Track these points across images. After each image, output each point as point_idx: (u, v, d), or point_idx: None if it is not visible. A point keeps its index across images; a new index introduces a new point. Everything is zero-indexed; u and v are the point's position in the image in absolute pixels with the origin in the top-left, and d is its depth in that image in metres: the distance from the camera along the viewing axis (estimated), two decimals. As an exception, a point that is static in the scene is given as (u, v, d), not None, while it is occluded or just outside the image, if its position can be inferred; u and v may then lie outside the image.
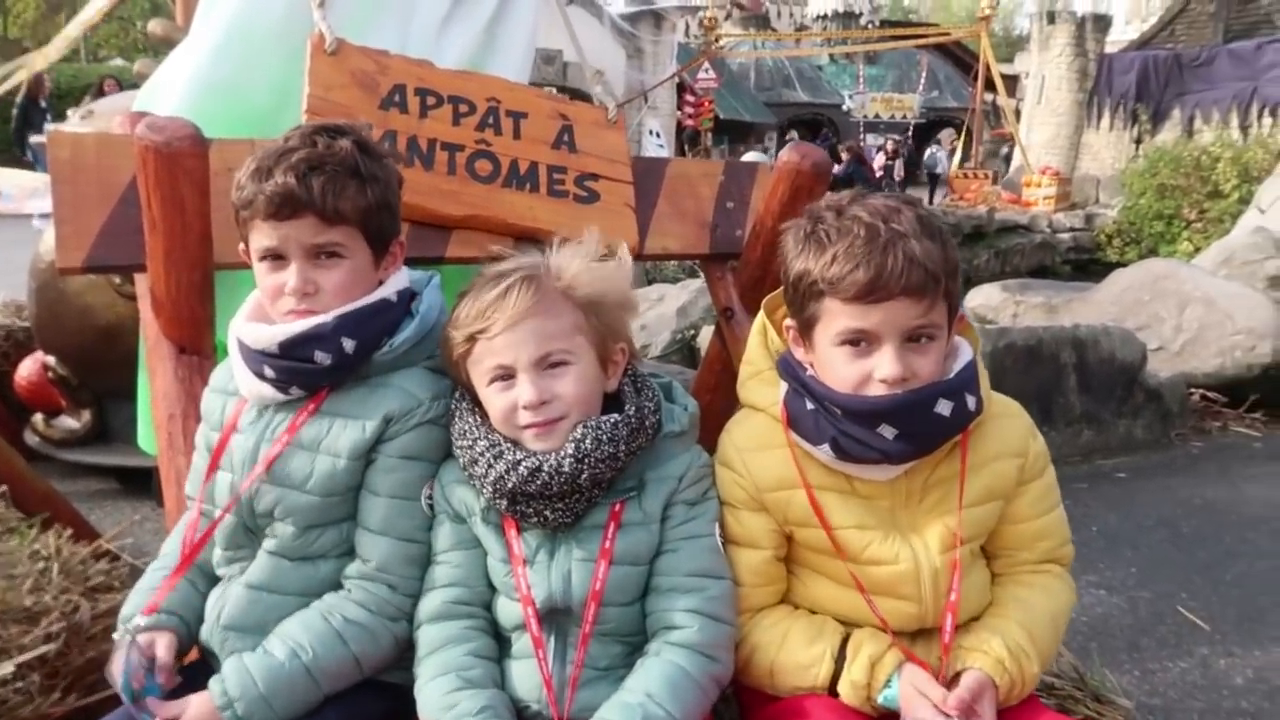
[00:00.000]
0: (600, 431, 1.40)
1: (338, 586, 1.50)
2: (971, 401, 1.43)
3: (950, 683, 1.40)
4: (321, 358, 1.46)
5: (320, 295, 1.47)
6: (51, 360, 3.88)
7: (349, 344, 1.46)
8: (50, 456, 3.90)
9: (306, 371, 1.47)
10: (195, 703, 1.37)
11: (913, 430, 1.39)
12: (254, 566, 1.50)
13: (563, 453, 1.38)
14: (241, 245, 1.55)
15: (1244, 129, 15.78)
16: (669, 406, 1.52)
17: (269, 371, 1.48)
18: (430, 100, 2.17)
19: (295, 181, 1.42)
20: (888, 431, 1.38)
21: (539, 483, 1.38)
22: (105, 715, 1.44)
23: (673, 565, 1.44)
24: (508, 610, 1.46)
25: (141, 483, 3.66)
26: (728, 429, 1.59)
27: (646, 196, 2.34)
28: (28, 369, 4.01)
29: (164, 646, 1.44)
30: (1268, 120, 15.62)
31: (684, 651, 1.38)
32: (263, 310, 1.54)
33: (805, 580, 1.54)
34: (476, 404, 1.48)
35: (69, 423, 3.95)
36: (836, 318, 1.39)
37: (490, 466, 1.40)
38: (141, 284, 1.94)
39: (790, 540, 1.52)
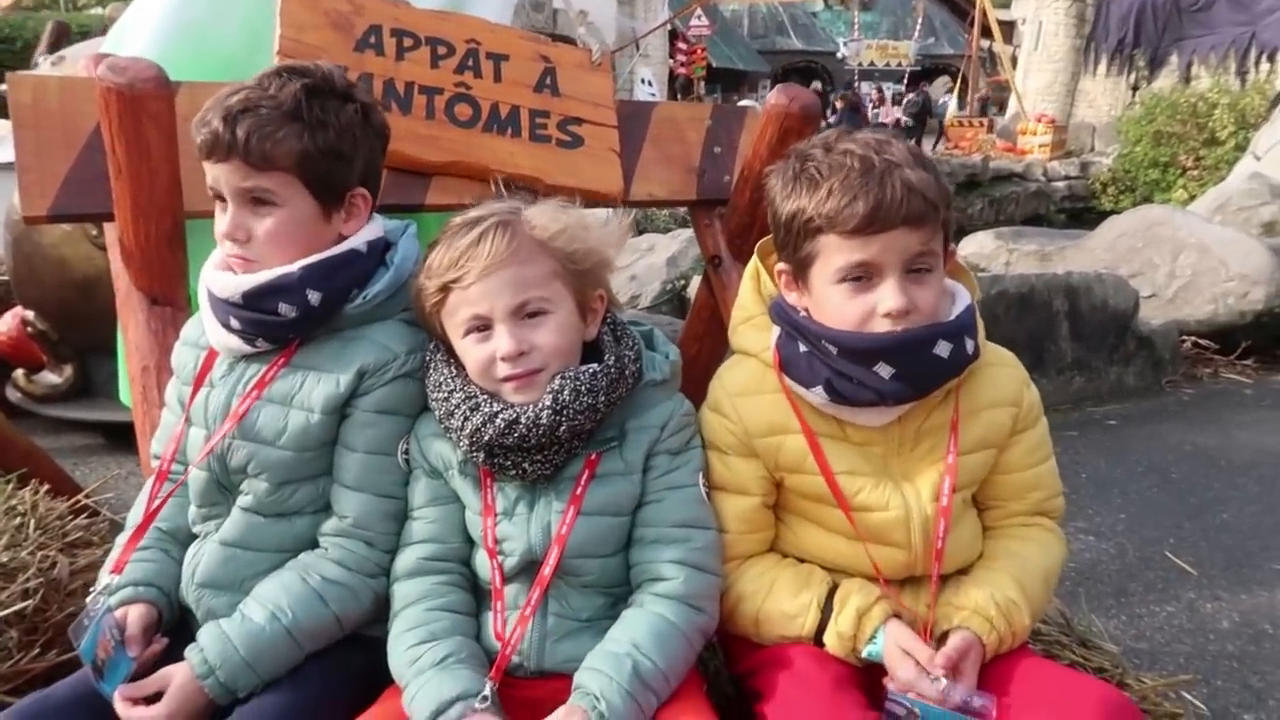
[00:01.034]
0: (579, 382, 1.36)
1: (313, 543, 1.47)
2: (970, 345, 1.41)
3: (938, 640, 1.39)
4: (285, 309, 1.42)
5: (252, 243, 1.42)
6: (31, 315, 3.83)
7: (314, 296, 1.42)
8: (33, 413, 3.87)
9: (271, 324, 1.43)
10: (176, 675, 1.35)
11: (910, 370, 1.37)
12: (228, 523, 1.47)
13: (540, 404, 1.35)
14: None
15: (1241, 75, 15.60)
16: (650, 355, 1.49)
17: (234, 322, 1.44)
18: (407, 42, 2.11)
19: (221, 125, 1.38)
20: (884, 370, 1.36)
21: (516, 435, 1.35)
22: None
23: (657, 516, 1.42)
24: (487, 562, 1.44)
25: (126, 437, 3.59)
26: (719, 374, 1.57)
27: (632, 141, 2.29)
28: (7, 324, 3.97)
29: (135, 619, 1.41)
30: (1265, 66, 15.44)
31: (669, 603, 1.37)
32: None
33: (794, 528, 1.52)
34: (452, 355, 1.44)
35: (50, 378, 3.92)
36: (835, 253, 1.37)
37: (467, 419, 1.37)
38: (111, 233, 1.89)
39: (779, 487, 1.51)
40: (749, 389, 1.51)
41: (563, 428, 1.35)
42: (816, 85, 25.90)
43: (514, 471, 1.39)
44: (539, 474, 1.39)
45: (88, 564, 1.94)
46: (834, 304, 1.39)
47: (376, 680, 1.39)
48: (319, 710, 1.33)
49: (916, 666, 1.34)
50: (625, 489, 1.41)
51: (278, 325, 1.44)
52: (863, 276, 1.37)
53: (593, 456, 1.40)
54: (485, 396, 1.38)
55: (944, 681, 1.31)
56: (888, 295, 1.35)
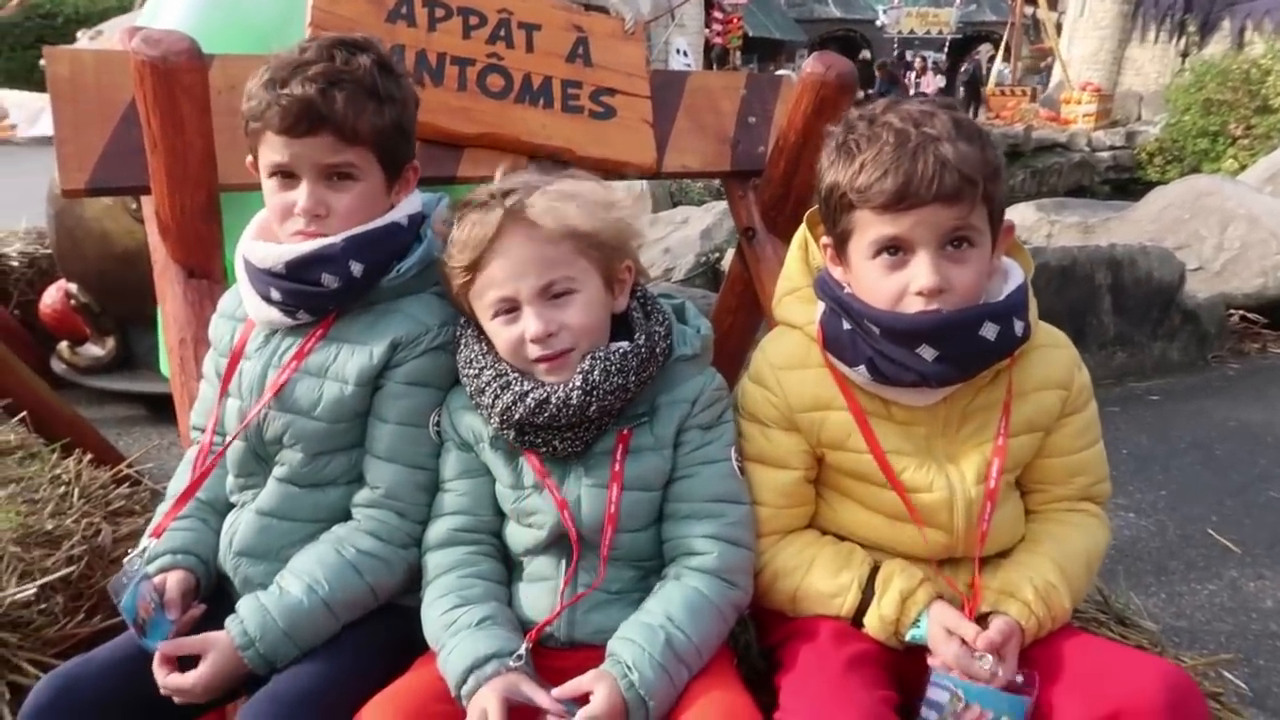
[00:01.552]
0: (609, 363, 1.35)
1: (347, 513, 1.49)
2: (1019, 327, 1.38)
3: (978, 622, 1.37)
4: (329, 280, 1.42)
5: (330, 218, 1.43)
6: (74, 288, 3.89)
7: (357, 267, 1.43)
8: (77, 384, 3.94)
9: (313, 294, 1.44)
10: (217, 643, 1.37)
11: (954, 352, 1.34)
12: (264, 493, 1.49)
13: (571, 385, 1.35)
14: (250, 158, 1.50)
15: (1297, 40, 15.10)
16: (681, 329, 1.48)
17: (275, 294, 1.45)
18: (439, 12, 2.10)
19: (315, 94, 1.37)
20: (927, 353, 1.33)
21: (547, 414, 1.35)
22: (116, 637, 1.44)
23: (690, 491, 1.42)
24: (517, 535, 1.45)
25: (168, 408, 3.63)
26: (761, 346, 1.56)
27: (665, 111, 2.26)
28: (51, 297, 4.04)
29: (174, 584, 1.43)
30: (1323, 30, 14.93)
31: (704, 577, 1.37)
32: (270, 229, 1.50)
33: (834, 505, 1.51)
34: (483, 332, 1.44)
35: (94, 350, 3.99)
36: (869, 228, 1.35)
37: (497, 397, 1.37)
38: (147, 206, 1.91)
39: (820, 463, 1.49)
40: (793, 362, 1.49)
41: (593, 408, 1.34)
42: (865, 54, 25.50)
43: (545, 449, 1.39)
44: (569, 451, 1.39)
45: (130, 532, 1.97)
46: (870, 279, 1.37)
47: (410, 648, 1.41)
48: (355, 678, 1.35)
49: (962, 646, 1.32)
50: (656, 464, 1.41)
51: (320, 296, 1.44)
52: (897, 251, 1.34)
53: (625, 432, 1.40)
54: (516, 375, 1.38)
55: (990, 660, 1.29)
56: (920, 273, 1.32)
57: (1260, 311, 5.68)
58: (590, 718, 1.21)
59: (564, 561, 1.41)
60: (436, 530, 1.46)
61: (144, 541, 1.48)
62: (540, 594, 1.42)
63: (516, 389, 1.36)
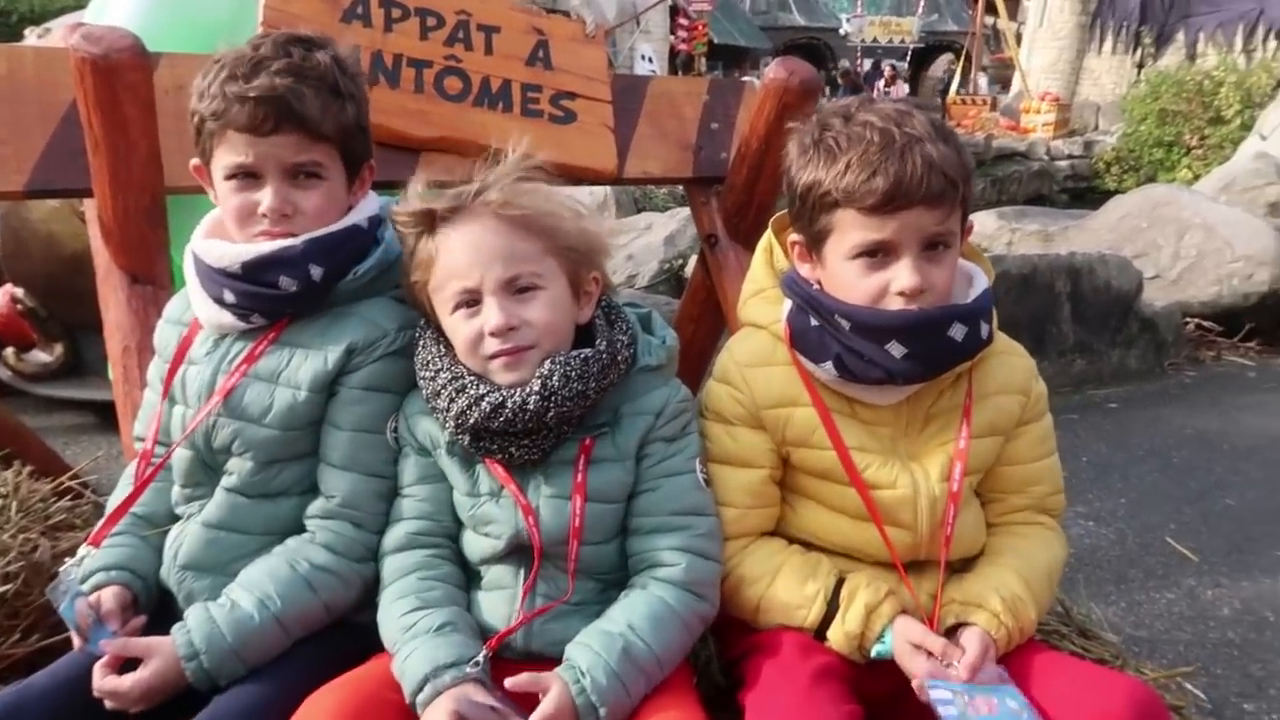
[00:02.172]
0: (569, 367, 1.32)
1: (299, 525, 1.44)
2: (984, 329, 1.40)
3: (945, 635, 1.37)
4: (286, 284, 1.38)
5: (297, 217, 1.39)
6: (20, 292, 3.80)
7: (316, 271, 1.39)
8: (24, 391, 3.84)
9: (269, 297, 1.40)
10: (160, 649, 1.31)
11: (922, 351, 1.35)
12: (211, 504, 1.44)
13: (528, 389, 1.31)
14: (195, 161, 1.45)
15: (1248, 52, 15.44)
16: (645, 339, 1.45)
17: (229, 296, 1.40)
18: (395, 13, 2.06)
19: (284, 90, 1.33)
20: (896, 350, 1.34)
21: (502, 419, 1.31)
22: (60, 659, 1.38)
23: (655, 504, 1.39)
24: (474, 544, 1.41)
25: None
26: (727, 347, 1.55)
27: (626, 116, 2.24)
28: (-3, 301, 3.93)
29: (110, 598, 1.38)
30: (1272, 44, 15.29)
31: (671, 588, 1.34)
32: (223, 228, 1.45)
33: (798, 508, 1.50)
34: (441, 335, 1.40)
35: (41, 356, 3.89)
36: (851, 229, 1.34)
37: (452, 400, 1.33)
38: (90, 209, 1.84)
39: (785, 465, 1.48)
40: (758, 360, 1.48)
41: (550, 414, 1.31)
42: (845, 64, 25.60)
43: (500, 455, 1.35)
44: (525, 458, 1.35)
45: (70, 547, 1.89)
46: (847, 279, 1.37)
47: (360, 664, 1.35)
48: (300, 699, 1.28)
49: (930, 658, 1.31)
50: (618, 475, 1.38)
51: (276, 299, 1.40)
52: (879, 253, 1.34)
53: (587, 441, 1.37)
54: (472, 378, 1.34)
55: (960, 667, 1.29)
56: (903, 274, 1.32)
57: (1215, 319, 5.77)
58: None
59: (523, 571, 1.37)
60: (394, 535, 1.42)
61: (81, 550, 1.43)
62: (498, 602, 1.38)
63: (472, 392, 1.32)
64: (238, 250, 1.39)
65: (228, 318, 1.42)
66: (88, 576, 1.40)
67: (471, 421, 1.32)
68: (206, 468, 1.45)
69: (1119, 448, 4.22)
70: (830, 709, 1.25)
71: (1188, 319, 5.73)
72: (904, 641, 1.34)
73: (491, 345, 1.32)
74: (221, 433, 1.41)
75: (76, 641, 1.38)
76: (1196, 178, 10.96)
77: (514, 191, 1.34)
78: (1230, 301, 5.69)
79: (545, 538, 1.35)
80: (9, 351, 3.91)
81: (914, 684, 1.31)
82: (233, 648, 1.31)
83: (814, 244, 1.41)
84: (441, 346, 1.39)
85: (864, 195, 1.30)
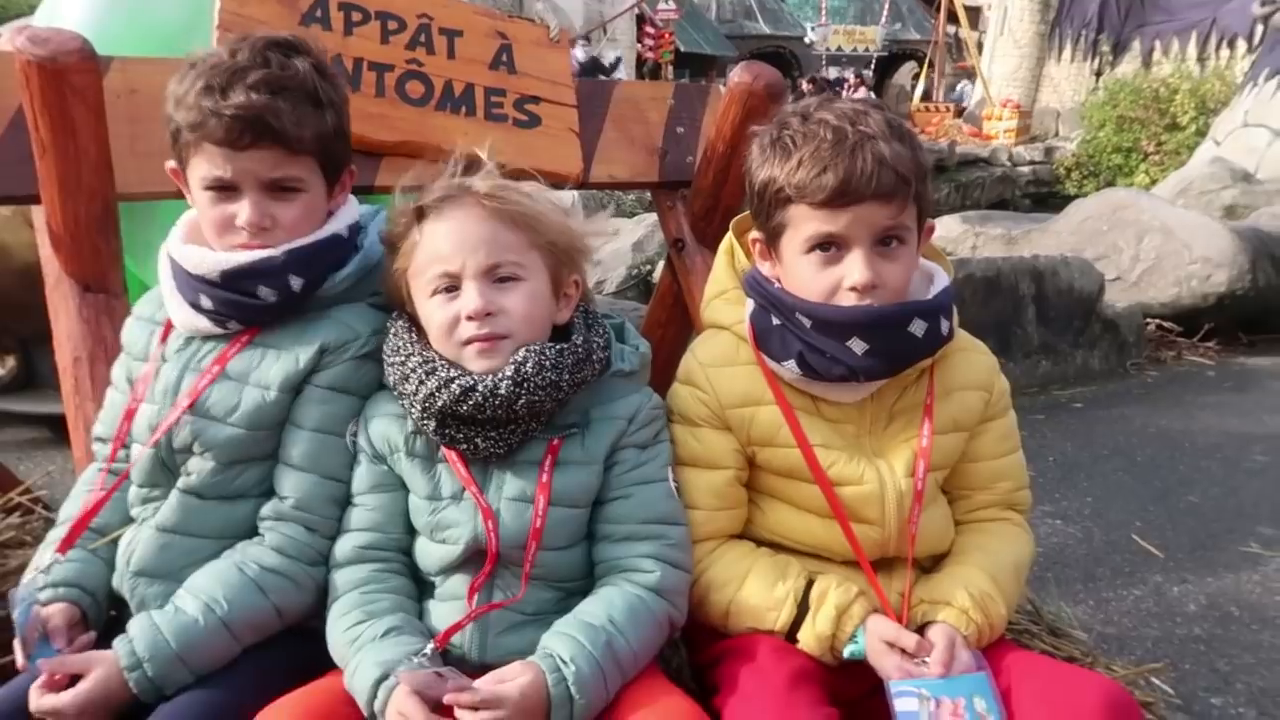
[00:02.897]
0: (544, 357, 1.30)
1: (256, 530, 1.40)
2: (945, 326, 1.41)
3: (918, 633, 1.36)
4: (266, 294, 1.37)
5: (275, 230, 1.38)
6: (-29, 304, 3.69)
7: (296, 282, 1.38)
8: (-25, 405, 3.74)
9: (248, 306, 1.38)
10: (98, 663, 1.26)
11: (883, 347, 1.36)
12: (166, 507, 1.40)
13: (500, 375, 1.29)
14: (171, 164, 1.42)
15: (1202, 60, 15.77)
16: (619, 346, 1.44)
17: (206, 302, 1.38)
18: (355, 16, 2.03)
19: (261, 105, 1.30)
20: (857, 346, 1.35)
21: (471, 403, 1.28)
22: (11, 680, 1.33)
23: (627, 512, 1.37)
24: (429, 552, 1.38)
25: (74, 431, 3.52)
26: (691, 349, 1.56)
27: (592, 121, 2.22)
28: (-54, 314, 3.82)
29: (57, 617, 1.33)
30: (1225, 52, 15.62)
31: (646, 590, 1.33)
32: (199, 232, 1.43)
33: (765, 509, 1.49)
34: (414, 325, 1.39)
35: (-7, 370, 3.79)
36: (805, 224, 1.36)
37: (421, 383, 1.30)
38: (38, 217, 1.79)
39: (751, 466, 1.48)
40: (722, 360, 1.49)
41: (521, 401, 1.28)
42: (828, 73, 25.73)
43: (466, 445, 1.33)
44: (491, 451, 1.33)
45: (19, 564, 1.83)
46: (803, 274, 1.38)
47: (315, 674, 1.32)
48: (252, 707, 1.24)
49: (903, 655, 1.32)
50: (585, 479, 1.35)
51: (254, 309, 1.39)
52: (831, 247, 1.35)
53: (555, 441, 1.35)
54: (444, 362, 1.32)
55: (931, 664, 1.29)
56: (854, 268, 1.34)
57: (1176, 320, 5.87)
58: (495, 694, 1.15)
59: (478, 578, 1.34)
60: (343, 547, 1.39)
61: (49, 557, 1.39)
62: (452, 613, 1.34)
63: (442, 375, 1.30)
64: (217, 258, 1.37)
65: (203, 323, 1.40)
66: (41, 588, 1.35)
67: (440, 404, 1.29)
68: (165, 468, 1.41)
69: (1084, 447, 4.27)
70: (807, 712, 1.24)
71: (1149, 319, 5.82)
72: (877, 640, 1.34)
73: (467, 330, 1.31)
74: (182, 431, 1.38)
75: (19, 658, 1.33)
76: (1154, 182, 11.16)
77: (502, 184, 1.35)
78: (1190, 302, 5.79)
79: (504, 541, 1.32)
80: (-40, 366, 3.82)
81: (887, 685, 1.30)
82: (177, 654, 1.27)
83: (771, 240, 1.43)
84: (414, 334, 1.37)
85: (815, 190, 1.32)
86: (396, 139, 1.98)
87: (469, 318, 1.30)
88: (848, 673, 1.38)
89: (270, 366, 1.39)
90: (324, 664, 1.32)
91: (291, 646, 1.37)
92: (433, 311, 1.34)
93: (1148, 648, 2.61)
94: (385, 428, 1.39)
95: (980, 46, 19.37)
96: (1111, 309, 5.47)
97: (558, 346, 1.33)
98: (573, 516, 1.36)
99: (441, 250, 1.32)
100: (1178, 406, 4.87)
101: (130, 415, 1.44)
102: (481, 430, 1.31)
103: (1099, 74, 17.16)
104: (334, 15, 2.01)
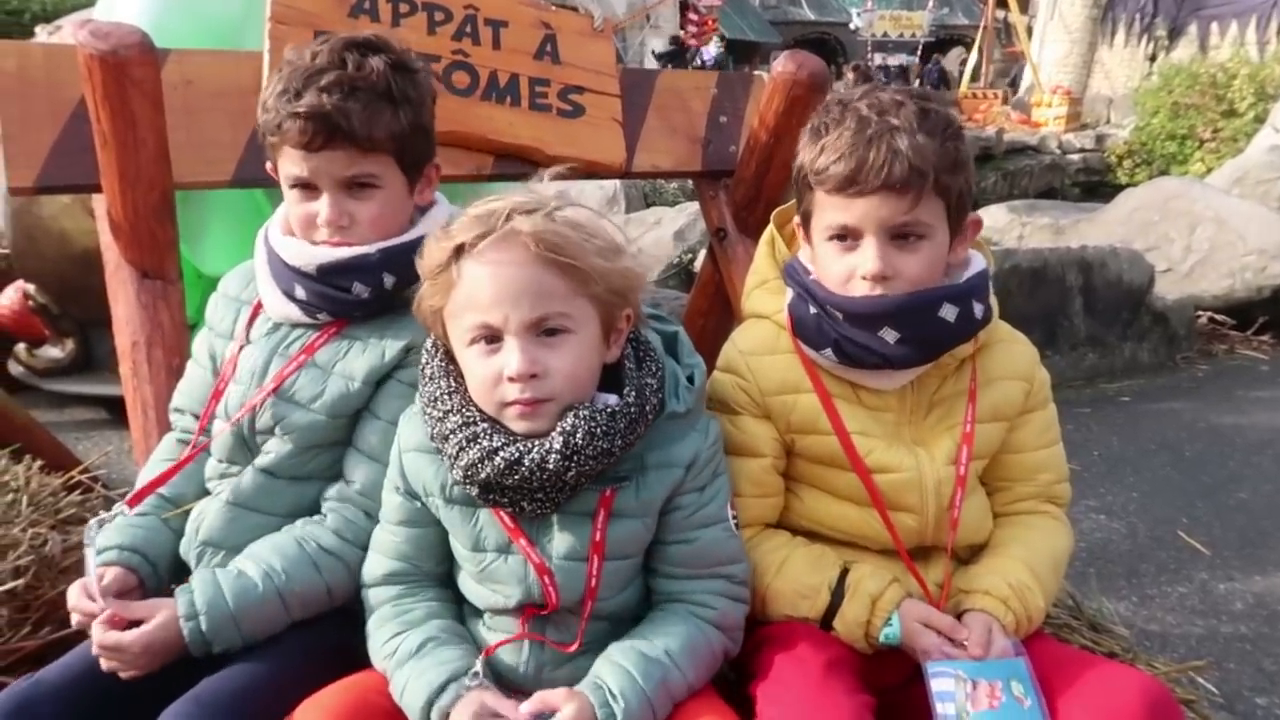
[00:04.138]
0: (594, 424, 1.19)
1: (319, 510, 1.45)
2: (979, 309, 1.40)
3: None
4: (360, 290, 1.41)
5: (355, 227, 1.42)
6: (32, 289, 3.81)
7: (389, 279, 1.42)
8: (36, 387, 3.85)
9: (340, 300, 1.42)
10: (161, 609, 1.32)
11: (915, 334, 1.36)
12: (240, 482, 1.45)
13: (548, 446, 1.18)
14: (269, 163, 1.48)
15: (1261, 45, 15.32)
16: (673, 373, 1.32)
17: (300, 293, 1.43)
18: (403, 8, 2.06)
19: (329, 107, 1.34)
20: (889, 335, 1.35)
21: (518, 477, 1.19)
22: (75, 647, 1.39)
23: (689, 557, 1.32)
24: (478, 593, 1.33)
25: (129, 412, 3.62)
26: (731, 338, 1.56)
27: (635, 110, 2.24)
28: (9, 298, 3.94)
29: (111, 580, 1.37)
30: (1287, 36, 15.15)
31: (707, 625, 1.30)
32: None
33: (803, 497, 1.50)
34: (452, 361, 1.28)
35: (52, 352, 3.90)
36: (824, 210, 1.38)
37: (462, 449, 1.20)
38: (99, 206, 1.85)
39: (789, 454, 1.48)
40: (762, 349, 1.49)
41: (571, 473, 1.19)
42: (874, 59, 25.35)
43: (510, 508, 1.25)
44: (537, 513, 1.25)
45: (80, 541, 1.90)
46: (826, 260, 1.41)
47: (354, 657, 1.36)
48: (293, 683, 1.28)
49: (939, 637, 1.32)
50: (637, 532, 1.28)
51: (347, 303, 1.43)
52: (846, 237, 1.37)
53: (608, 493, 1.25)
54: (485, 425, 1.21)
55: (969, 643, 1.30)
56: (865, 258, 1.35)
57: (1228, 313, 5.74)
58: None
59: (529, 627, 1.30)
60: (372, 568, 1.37)
61: (116, 507, 1.46)
62: (506, 649, 1.30)
63: (485, 444, 1.19)
64: (315, 252, 1.42)
65: (295, 311, 1.45)
66: (103, 549, 1.41)
67: (483, 476, 1.20)
68: (245, 446, 1.47)
69: (1130, 441, 4.20)
70: (843, 699, 1.25)
71: (1200, 312, 5.70)
72: (911, 622, 1.35)
73: (510, 391, 1.19)
74: (265, 414, 1.43)
75: (73, 600, 1.37)
76: (1209, 171, 10.88)
77: (549, 223, 1.19)
78: (1243, 295, 5.66)
79: (560, 595, 1.26)
80: (21, 347, 3.93)
81: (924, 666, 1.31)
82: (233, 613, 1.32)
83: (805, 224, 1.46)
84: (452, 380, 1.26)
85: (827, 178, 1.35)
86: (443, 129, 1.99)
87: (511, 379, 1.18)
88: (884, 661, 1.38)
89: (356, 358, 1.43)
90: (361, 649, 1.35)
91: (337, 625, 1.41)
92: (471, 363, 1.22)
93: (1191, 646, 2.57)
94: (420, 467, 1.30)
95: (1030, 31, 18.99)
96: (1162, 301, 5.37)
97: (609, 409, 1.22)
98: (626, 566, 1.31)
99: (481, 299, 1.18)
100: (1228, 401, 4.77)
101: (218, 395, 1.49)
102: (528, 494, 1.22)
103: (1153, 59, 16.74)
104: (382, 7, 2.04)
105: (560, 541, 1.26)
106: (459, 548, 1.33)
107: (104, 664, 1.30)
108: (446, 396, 1.25)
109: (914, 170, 1.31)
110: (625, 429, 1.22)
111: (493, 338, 1.20)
